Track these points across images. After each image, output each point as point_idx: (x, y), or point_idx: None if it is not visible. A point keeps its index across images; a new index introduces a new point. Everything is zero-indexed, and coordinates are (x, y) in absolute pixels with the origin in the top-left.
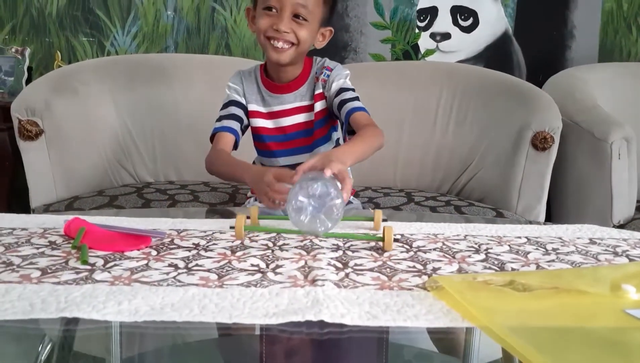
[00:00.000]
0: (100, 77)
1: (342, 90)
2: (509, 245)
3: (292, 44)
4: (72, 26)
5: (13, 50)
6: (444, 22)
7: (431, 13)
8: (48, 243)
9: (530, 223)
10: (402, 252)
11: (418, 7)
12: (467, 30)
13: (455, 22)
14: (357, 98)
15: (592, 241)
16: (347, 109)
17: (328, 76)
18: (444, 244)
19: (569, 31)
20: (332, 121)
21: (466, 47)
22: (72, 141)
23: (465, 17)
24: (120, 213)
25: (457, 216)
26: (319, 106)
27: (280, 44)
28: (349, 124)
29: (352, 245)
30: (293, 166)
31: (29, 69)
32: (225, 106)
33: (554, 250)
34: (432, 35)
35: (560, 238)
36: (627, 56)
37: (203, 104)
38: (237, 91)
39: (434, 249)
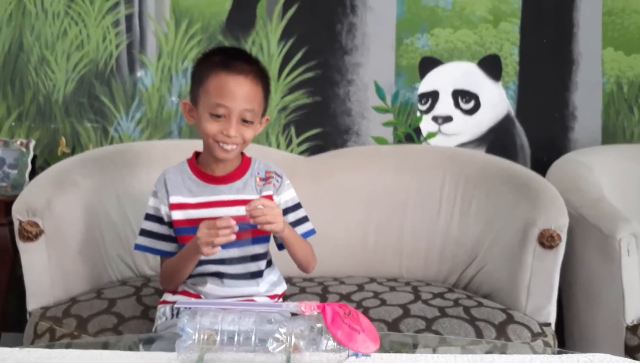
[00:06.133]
0: (103, 168)
1: (289, 209)
2: None
3: (239, 143)
4: (77, 112)
5: (18, 143)
6: (445, 105)
7: (432, 97)
8: None
9: (542, 329)
10: None
11: (419, 92)
12: (469, 113)
13: (456, 105)
14: (305, 218)
15: None
16: (300, 232)
17: (278, 181)
18: None
19: (571, 113)
20: None
21: (468, 130)
22: (72, 239)
23: (467, 100)
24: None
25: (465, 325)
26: None
27: (229, 147)
28: None
29: None
30: (220, 261)
31: (33, 159)
32: (154, 220)
33: None
34: (434, 118)
35: None
36: (630, 136)
37: None
38: (162, 200)
39: None
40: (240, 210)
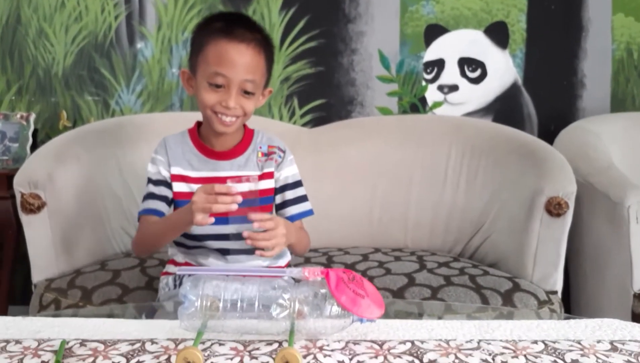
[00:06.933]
0: (104, 141)
1: (288, 186)
2: (525, 356)
3: (239, 116)
4: (77, 86)
5: (18, 116)
6: (451, 74)
7: (438, 65)
8: None
9: (548, 297)
10: None
11: (424, 60)
12: (475, 81)
13: (462, 74)
14: (304, 197)
15: (613, 347)
16: (290, 213)
17: (281, 157)
18: (456, 357)
19: (580, 80)
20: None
21: (475, 99)
22: (74, 212)
23: (473, 69)
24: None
25: (471, 293)
26: (265, 184)
27: (228, 119)
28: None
29: (358, 362)
30: (216, 236)
31: (34, 133)
32: (150, 183)
33: (573, 362)
34: (440, 88)
35: (579, 343)
36: (639, 104)
37: None
38: (162, 162)
39: None
40: (241, 187)
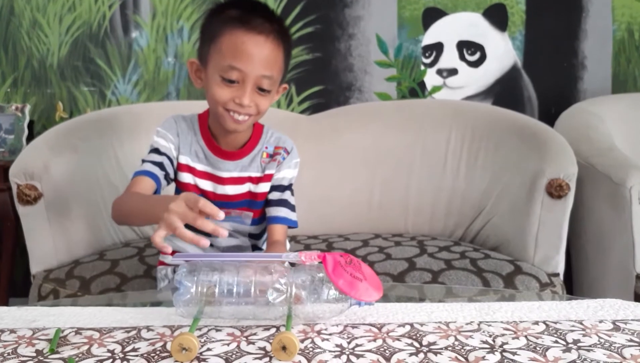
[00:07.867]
0: (101, 131)
1: (278, 188)
2: (526, 337)
3: (252, 114)
4: (73, 76)
5: (13, 107)
6: (450, 57)
7: (436, 49)
8: (35, 353)
9: (550, 280)
10: (411, 354)
11: (423, 44)
12: (475, 65)
13: (462, 57)
14: (285, 202)
15: (615, 327)
16: (270, 214)
17: (284, 158)
18: (456, 339)
19: (580, 62)
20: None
21: (474, 82)
22: (72, 202)
23: (472, 52)
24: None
25: (472, 277)
26: (264, 187)
27: (241, 117)
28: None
29: (357, 345)
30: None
31: (30, 125)
32: (157, 153)
33: (574, 342)
34: (439, 72)
35: (581, 323)
36: None
37: None
38: (171, 140)
39: (446, 347)
40: (241, 188)
